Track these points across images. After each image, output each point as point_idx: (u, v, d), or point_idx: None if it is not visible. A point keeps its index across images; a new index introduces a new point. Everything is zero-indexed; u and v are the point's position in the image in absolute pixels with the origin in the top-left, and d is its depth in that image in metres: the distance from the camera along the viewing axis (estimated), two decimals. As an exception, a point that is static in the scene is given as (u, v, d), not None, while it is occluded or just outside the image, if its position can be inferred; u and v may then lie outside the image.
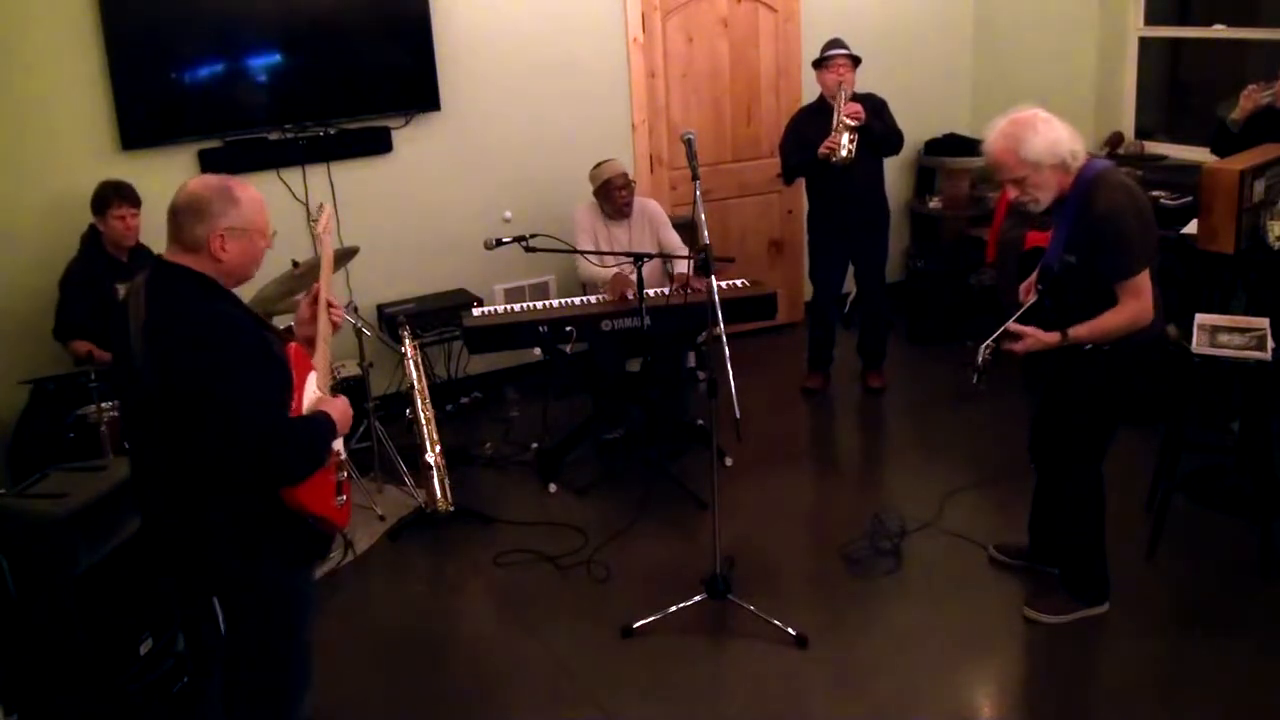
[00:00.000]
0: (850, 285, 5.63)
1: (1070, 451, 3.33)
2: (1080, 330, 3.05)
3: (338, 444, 2.55)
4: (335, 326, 2.65)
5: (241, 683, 2.56)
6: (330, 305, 2.63)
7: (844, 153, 4.77)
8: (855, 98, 4.89)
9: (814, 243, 5.33)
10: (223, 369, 2.18)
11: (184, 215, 2.27)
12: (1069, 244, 3.06)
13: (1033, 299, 3.25)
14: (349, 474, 4.23)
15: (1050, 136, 2.96)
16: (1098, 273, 3.02)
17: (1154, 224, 3.08)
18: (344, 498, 2.54)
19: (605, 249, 4.83)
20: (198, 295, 2.26)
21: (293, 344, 2.46)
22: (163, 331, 2.21)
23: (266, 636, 2.49)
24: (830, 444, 5.14)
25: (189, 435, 2.22)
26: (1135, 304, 3.00)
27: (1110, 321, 3.02)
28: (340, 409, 2.48)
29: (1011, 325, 3.11)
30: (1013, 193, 3.12)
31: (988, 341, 3.10)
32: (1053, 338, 3.07)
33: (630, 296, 4.45)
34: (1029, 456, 3.60)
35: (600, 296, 4.65)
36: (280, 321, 3.56)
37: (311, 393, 2.46)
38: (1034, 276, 3.33)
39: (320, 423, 2.40)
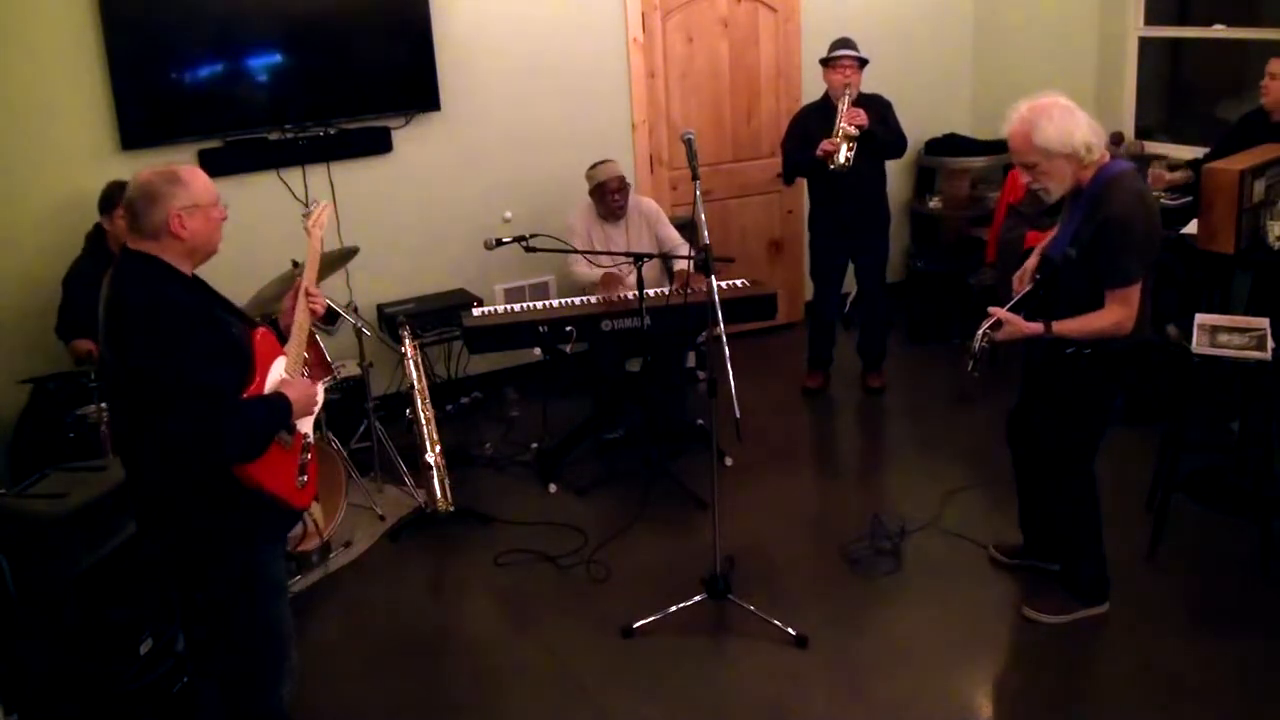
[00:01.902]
0: (850, 285, 5.63)
1: (1061, 454, 3.33)
2: (1064, 326, 3.05)
3: (306, 426, 2.60)
4: (314, 314, 2.72)
5: (221, 663, 2.60)
6: (310, 293, 2.70)
7: (841, 159, 4.78)
8: (861, 97, 4.89)
9: (814, 242, 5.33)
10: (163, 347, 2.27)
11: (140, 204, 2.38)
12: (1074, 238, 3.06)
13: (1028, 288, 3.25)
14: (349, 471, 4.27)
15: (1064, 126, 2.95)
16: (1094, 273, 3.02)
17: (1159, 236, 3.07)
18: (305, 478, 2.59)
19: (601, 249, 4.82)
20: (152, 278, 2.36)
21: (261, 330, 2.53)
22: (115, 312, 2.33)
23: (234, 613, 2.52)
24: (830, 444, 5.14)
25: (142, 413, 2.33)
26: (1121, 311, 3.00)
27: (1093, 323, 3.03)
28: (300, 390, 2.53)
29: (999, 313, 3.12)
30: (1025, 178, 3.12)
31: (983, 329, 3.11)
32: (1035, 328, 3.08)
33: (623, 295, 4.47)
34: (1007, 441, 3.59)
35: (597, 298, 4.64)
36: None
37: (277, 376, 2.52)
38: (1029, 264, 3.33)
39: (272, 403, 2.45)
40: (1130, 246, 2.95)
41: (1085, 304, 3.05)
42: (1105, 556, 3.43)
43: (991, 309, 3.13)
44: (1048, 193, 3.07)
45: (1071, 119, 2.96)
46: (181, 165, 2.47)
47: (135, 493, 2.52)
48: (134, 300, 2.33)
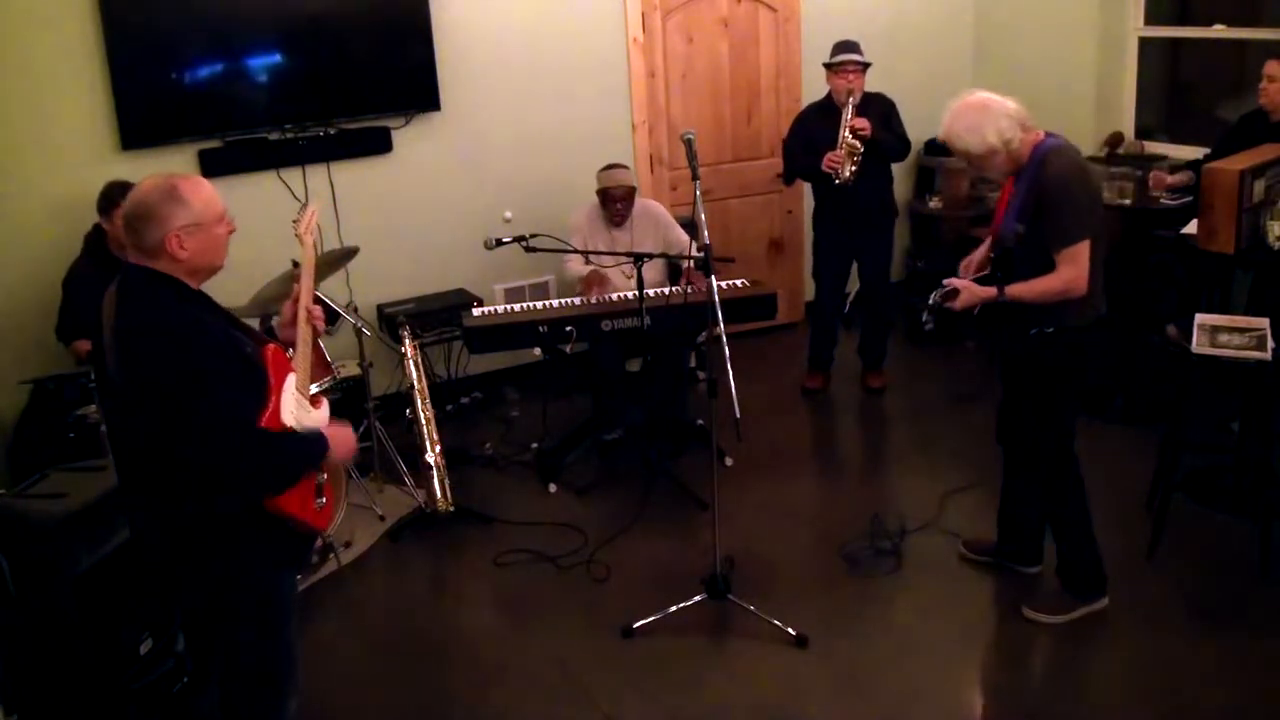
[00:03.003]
0: (850, 285, 5.63)
1: (1038, 440, 3.36)
2: (1017, 289, 3.13)
3: None
4: (316, 332, 2.65)
5: (227, 683, 2.57)
6: (310, 312, 2.62)
7: (846, 173, 4.80)
8: (865, 98, 4.90)
9: (818, 242, 5.33)
10: (185, 373, 2.18)
11: (136, 222, 2.27)
12: (1020, 213, 3.15)
13: (985, 271, 3.34)
14: (349, 471, 4.27)
15: (975, 128, 3.08)
16: (1043, 241, 3.09)
17: (1100, 202, 3.18)
18: (324, 500, 2.53)
19: (605, 250, 4.82)
20: (163, 299, 2.26)
21: (270, 346, 2.46)
22: (129, 335, 2.23)
23: (247, 636, 2.49)
24: (830, 444, 5.14)
25: (159, 438, 2.24)
26: (1071, 270, 3.06)
27: (1045, 284, 3.09)
28: (343, 438, 2.47)
29: (954, 281, 3.23)
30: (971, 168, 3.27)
31: (938, 292, 3.24)
32: (989, 292, 3.17)
33: (606, 296, 4.51)
34: (996, 439, 3.61)
35: (581, 298, 4.64)
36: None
37: (290, 394, 2.44)
38: (978, 253, 3.46)
39: (310, 442, 2.39)
40: (1069, 205, 3.04)
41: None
42: (1099, 551, 3.44)
43: (946, 280, 3.25)
44: (991, 178, 3.23)
45: (982, 118, 3.08)
46: (184, 178, 2.31)
47: (138, 510, 2.45)
48: (144, 322, 2.23)
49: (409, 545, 4.21)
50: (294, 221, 2.89)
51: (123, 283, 2.31)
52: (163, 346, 2.20)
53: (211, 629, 2.52)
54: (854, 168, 4.80)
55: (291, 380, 2.48)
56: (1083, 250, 3.05)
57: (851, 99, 4.83)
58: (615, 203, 4.83)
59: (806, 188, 5.53)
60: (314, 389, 2.63)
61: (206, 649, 2.61)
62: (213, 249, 2.34)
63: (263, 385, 2.36)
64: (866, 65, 4.92)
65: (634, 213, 4.91)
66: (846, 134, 4.79)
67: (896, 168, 5.45)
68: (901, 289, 6.29)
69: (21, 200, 4.43)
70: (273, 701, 2.58)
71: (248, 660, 2.52)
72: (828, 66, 4.97)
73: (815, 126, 4.97)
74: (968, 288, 3.21)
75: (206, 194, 2.32)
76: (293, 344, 2.60)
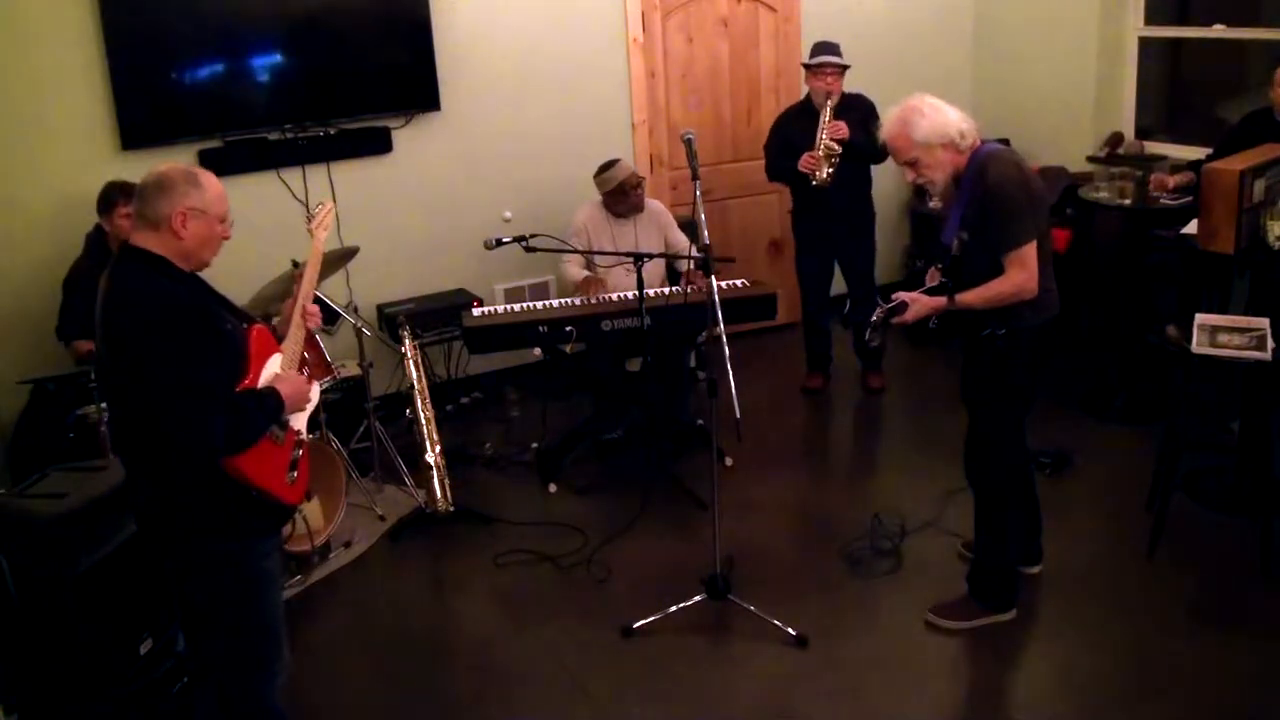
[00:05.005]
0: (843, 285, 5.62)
1: (985, 438, 3.35)
2: (967, 296, 3.12)
3: (300, 422, 2.61)
4: (310, 328, 2.71)
5: (214, 659, 2.60)
6: (305, 309, 2.68)
7: (823, 175, 4.80)
8: (843, 98, 4.90)
9: (799, 244, 5.33)
10: (155, 341, 2.29)
11: (151, 190, 2.41)
12: (963, 221, 3.14)
13: (936, 282, 3.32)
14: (349, 471, 4.27)
15: (935, 120, 3.09)
16: (989, 247, 3.08)
17: (1044, 203, 3.16)
18: (296, 474, 2.58)
19: (609, 249, 4.82)
20: (148, 273, 2.38)
21: (256, 327, 2.54)
22: (112, 305, 2.35)
23: (225, 609, 2.51)
24: (830, 444, 5.14)
25: (132, 405, 2.36)
26: (1020, 274, 3.05)
27: (996, 289, 3.08)
28: (293, 386, 2.53)
29: (902, 295, 3.21)
30: (910, 176, 3.22)
31: (883, 307, 3.23)
32: (938, 303, 3.17)
33: (604, 298, 4.52)
34: (966, 476, 3.51)
35: (580, 299, 4.65)
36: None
37: (272, 372, 2.52)
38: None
39: (263, 397, 2.46)
40: (1012, 208, 3.03)
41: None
42: (1016, 568, 3.48)
43: (895, 294, 3.24)
44: (933, 185, 3.18)
45: (940, 113, 3.10)
46: (204, 171, 2.49)
47: (132, 489, 2.52)
48: (129, 294, 2.35)
49: (409, 545, 4.21)
50: (308, 217, 2.93)
51: (116, 261, 2.44)
52: (135, 316, 2.32)
53: (195, 603, 2.54)
54: (831, 170, 4.80)
55: (276, 360, 2.56)
56: (1030, 252, 3.04)
57: (830, 101, 4.83)
58: (634, 190, 4.85)
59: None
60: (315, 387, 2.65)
61: (196, 628, 2.63)
62: (208, 241, 2.46)
63: (239, 361, 2.44)
64: (845, 67, 4.92)
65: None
66: (824, 136, 4.79)
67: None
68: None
69: (22, 200, 4.43)
70: (259, 676, 2.60)
71: (229, 636, 2.54)
72: (806, 67, 4.98)
73: (794, 128, 4.98)
74: (916, 300, 3.20)
75: (219, 190, 2.49)
76: (286, 326, 2.69)
